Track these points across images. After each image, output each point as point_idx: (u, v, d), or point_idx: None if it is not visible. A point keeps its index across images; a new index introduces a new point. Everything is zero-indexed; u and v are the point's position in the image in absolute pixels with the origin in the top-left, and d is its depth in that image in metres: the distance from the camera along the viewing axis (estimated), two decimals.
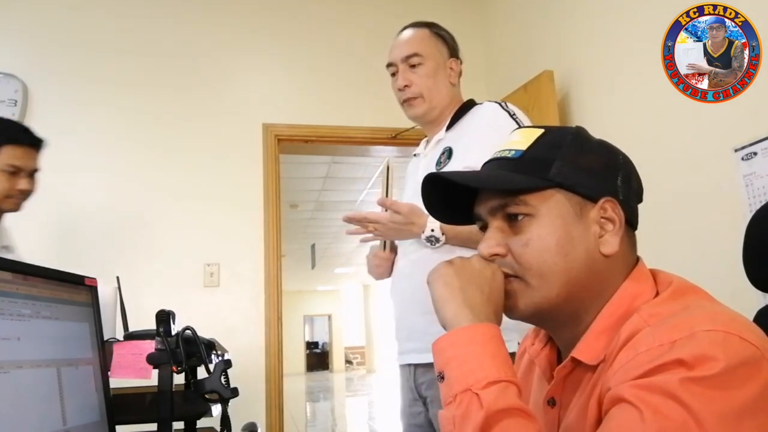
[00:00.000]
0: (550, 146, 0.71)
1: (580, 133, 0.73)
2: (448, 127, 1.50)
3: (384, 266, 1.54)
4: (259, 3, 3.26)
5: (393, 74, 1.54)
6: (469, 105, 1.52)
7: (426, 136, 1.60)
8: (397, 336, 1.49)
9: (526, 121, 1.38)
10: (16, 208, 1.87)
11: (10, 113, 2.75)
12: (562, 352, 0.74)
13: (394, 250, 1.54)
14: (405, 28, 1.57)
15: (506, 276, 0.70)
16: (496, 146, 0.76)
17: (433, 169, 1.43)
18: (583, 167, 0.69)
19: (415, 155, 1.64)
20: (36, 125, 2.83)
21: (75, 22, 2.99)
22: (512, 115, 1.37)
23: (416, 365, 1.41)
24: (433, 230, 1.32)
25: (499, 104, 1.42)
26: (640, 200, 0.75)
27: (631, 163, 0.74)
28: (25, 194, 1.83)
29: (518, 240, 0.69)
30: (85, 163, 2.87)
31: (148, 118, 2.98)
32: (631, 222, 0.71)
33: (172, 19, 3.13)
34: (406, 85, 1.49)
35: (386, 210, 1.39)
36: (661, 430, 0.51)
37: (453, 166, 1.37)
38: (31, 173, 1.81)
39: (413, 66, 1.49)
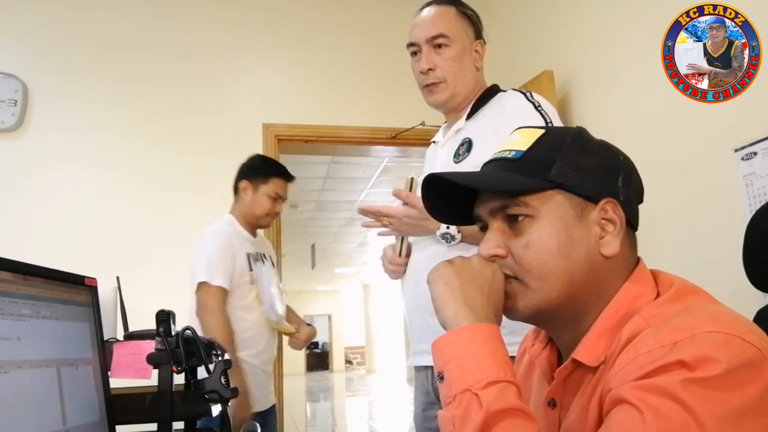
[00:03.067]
0: (550, 147, 0.70)
1: (581, 134, 0.73)
2: (469, 116, 1.41)
3: (400, 270, 1.45)
4: (259, 3, 3.26)
5: (414, 53, 1.43)
6: (492, 92, 1.43)
7: (445, 122, 1.52)
8: (410, 336, 1.43)
9: (551, 113, 1.31)
10: (268, 225, 2.42)
11: (10, 113, 2.76)
12: (563, 353, 0.74)
13: (409, 254, 1.44)
14: (428, 3, 1.45)
15: (506, 277, 0.70)
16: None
17: (452, 161, 1.38)
18: (583, 168, 0.69)
19: (433, 142, 1.56)
20: (36, 125, 2.85)
21: (74, 22, 2.99)
22: (537, 107, 1.30)
23: (433, 367, 1.35)
24: (448, 227, 1.27)
25: (525, 94, 1.34)
26: (641, 201, 0.75)
27: (632, 164, 0.74)
28: (276, 216, 2.39)
29: (518, 241, 0.69)
30: (85, 163, 2.87)
31: (149, 118, 2.98)
32: (632, 223, 0.71)
33: (172, 18, 3.12)
34: (430, 69, 1.39)
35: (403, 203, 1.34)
36: (662, 431, 0.51)
37: (472, 159, 1.32)
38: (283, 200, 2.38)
39: (438, 47, 1.38)
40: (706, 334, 0.55)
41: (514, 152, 0.72)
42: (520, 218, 0.69)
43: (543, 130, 0.73)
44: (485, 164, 0.76)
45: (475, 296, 0.67)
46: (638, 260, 0.72)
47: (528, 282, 0.69)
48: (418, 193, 1.36)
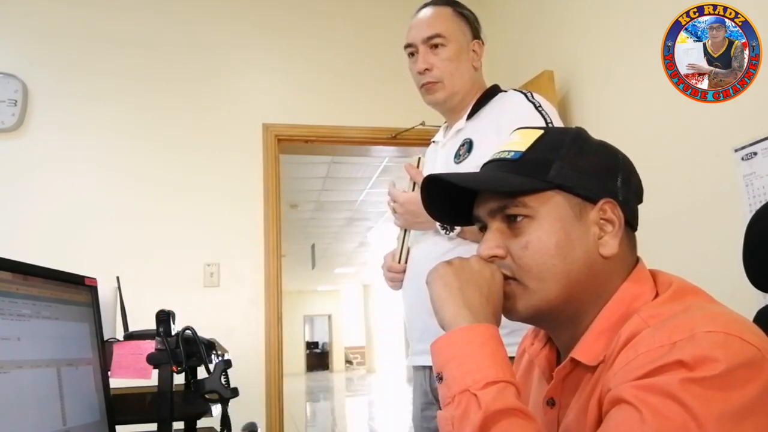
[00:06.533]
0: (549, 147, 0.70)
1: (579, 135, 0.73)
2: (470, 116, 1.41)
3: (399, 280, 1.44)
4: (259, 3, 3.26)
5: (411, 54, 1.44)
6: (493, 92, 1.43)
7: (445, 122, 1.52)
8: (409, 336, 1.43)
9: (552, 113, 1.31)
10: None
11: (10, 113, 2.76)
12: (562, 352, 0.74)
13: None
14: (425, 5, 1.46)
15: (505, 278, 0.70)
16: None
17: (452, 161, 1.38)
18: (582, 169, 0.69)
19: (433, 142, 1.56)
20: (36, 125, 2.85)
21: (74, 21, 2.99)
22: (538, 107, 1.30)
23: (431, 368, 1.33)
24: None
25: (525, 95, 1.34)
26: (640, 201, 0.74)
27: (631, 164, 0.74)
28: None
29: (517, 242, 0.69)
30: (85, 163, 2.87)
31: (149, 117, 2.99)
32: (631, 223, 0.71)
33: (172, 18, 3.12)
34: (426, 69, 1.39)
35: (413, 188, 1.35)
36: (661, 431, 0.51)
37: (473, 159, 1.32)
38: None
39: (435, 47, 1.39)
40: (705, 334, 0.55)
41: (513, 153, 0.72)
42: (519, 219, 0.69)
43: (542, 131, 0.73)
44: (485, 164, 0.76)
45: (474, 297, 0.67)
46: (638, 260, 0.72)
47: (527, 283, 0.69)
48: (426, 173, 1.38)
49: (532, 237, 0.68)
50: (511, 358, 0.74)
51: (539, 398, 0.75)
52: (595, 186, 0.69)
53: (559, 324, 0.72)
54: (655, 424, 0.51)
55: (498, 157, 0.74)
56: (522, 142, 0.72)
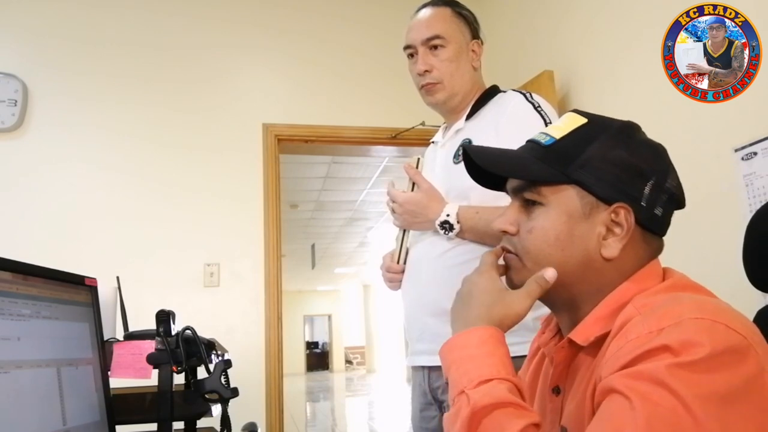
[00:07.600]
0: (582, 140, 0.71)
1: (623, 130, 0.72)
2: (469, 116, 1.41)
3: (398, 280, 1.44)
4: (259, 3, 3.26)
5: (411, 55, 1.44)
6: (492, 92, 1.43)
7: (444, 122, 1.52)
8: (408, 336, 1.43)
9: (551, 113, 1.31)
10: None
11: (10, 113, 2.76)
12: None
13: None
14: (423, 6, 1.46)
15: (509, 252, 0.74)
16: (518, 140, 0.78)
17: (451, 162, 1.38)
18: (606, 168, 0.69)
19: (432, 142, 1.56)
20: (36, 124, 2.85)
21: (74, 21, 2.99)
22: (537, 108, 1.30)
23: (430, 368, 1.34)
24: (448, 215, 1.26)
25: (524, 95, 1.34)
26: (679, 207, 0.73)
27: (671, 170, 0.72)
28: None
29: (527, 224, 0.72)
30: (85, 163, 2.87)
31: (149, 117, 2.99)
32: (652, 228, 0.70)
33: (172, 17, 3.12)
34: (426, 70, 1.39)
35: (411, 185, 1.36)
36: (651, 417, 0.51)
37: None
38: None
39: (434, 48, 1.39)
40: (691, 320, 0.56)
41: (548, 138, 0.73)
42: (534, 203, 0.72)
43: (587, 119, 0.73)
44: (527, 141, 0.77)
45: (473, 307, 0.71)
46: (650, 262, 0.71)
47: (525, 261, 0.72)
48: (425, 173, 1.38)
49: (537, 224, 0.71)
50: (515, 358, 0.75)
51: (546, 387, 0.76)
52: (614, 188, 0.68)
53: (557, 305, 0.74)
54: (645, 410, 0.51)
55: (535, 138, 0.75)
56: (562, 127, 0.73)
